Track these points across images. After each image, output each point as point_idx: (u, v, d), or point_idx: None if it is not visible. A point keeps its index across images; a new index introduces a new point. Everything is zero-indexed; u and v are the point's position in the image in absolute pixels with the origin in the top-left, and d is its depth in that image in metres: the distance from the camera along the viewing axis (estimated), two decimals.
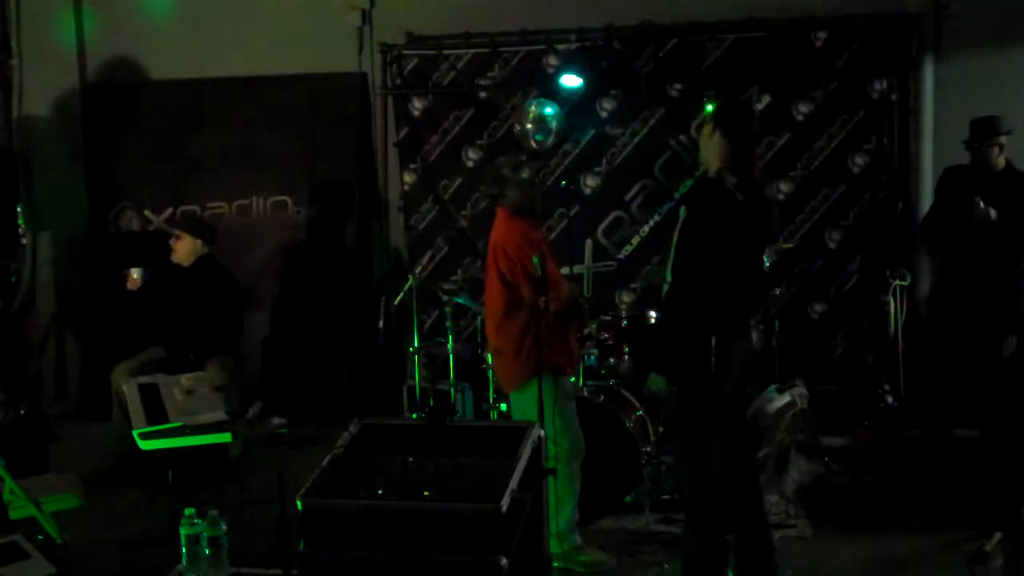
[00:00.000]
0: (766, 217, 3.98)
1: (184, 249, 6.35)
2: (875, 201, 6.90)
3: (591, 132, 7.09)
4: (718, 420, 3.91)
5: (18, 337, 7.49)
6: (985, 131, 5.64)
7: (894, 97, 6.82)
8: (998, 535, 4.49)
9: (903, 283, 6.53)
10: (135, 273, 6.17)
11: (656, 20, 6.95)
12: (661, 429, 5.50)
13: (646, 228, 7.12)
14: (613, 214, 7.16)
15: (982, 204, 5.43)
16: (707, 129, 3.89)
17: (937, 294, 6.05)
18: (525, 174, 4.69)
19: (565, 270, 5.22)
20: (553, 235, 6.77)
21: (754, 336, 5.43)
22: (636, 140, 7.08)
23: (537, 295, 4.46)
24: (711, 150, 3.89)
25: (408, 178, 7.42)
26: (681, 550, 4.09)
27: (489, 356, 5.38)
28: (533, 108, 6.92)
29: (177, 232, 6.43)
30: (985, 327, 5.63)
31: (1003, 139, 5.62)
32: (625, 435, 5.16)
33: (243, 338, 6.67)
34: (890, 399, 6.62)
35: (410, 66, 7.33)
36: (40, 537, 4.56)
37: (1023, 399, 5.62)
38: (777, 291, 6.31)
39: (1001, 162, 5.66)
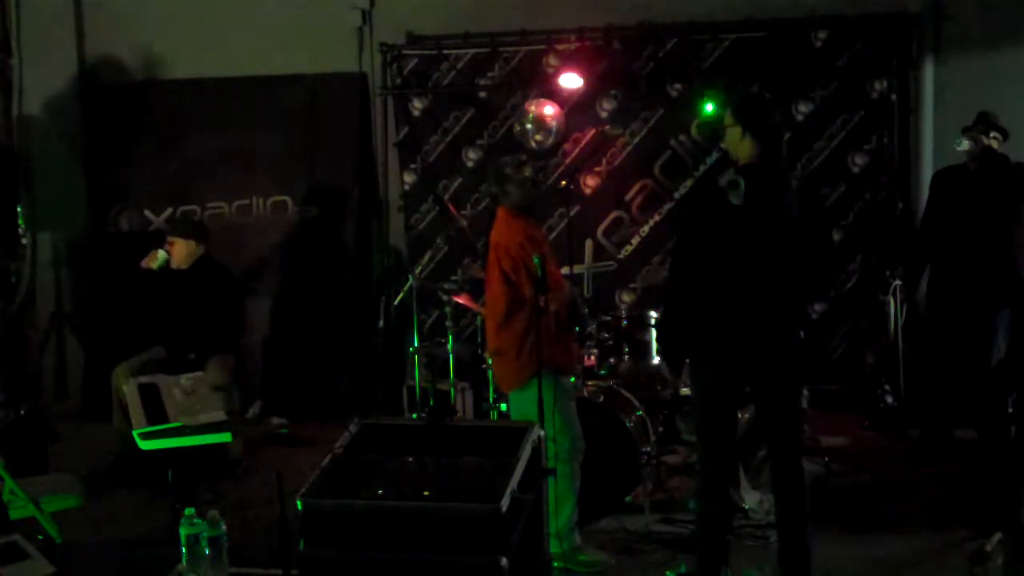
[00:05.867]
0: (776, 208, 3.94)
1: (180, 253, 6.30)
2: (875, 201, 6.90)
3: (591, 132, 7.09)
4: (763, 417, 4.13)
5: (18, 337, 7.49)
6: (982, 121, 5.74)
7: (894, 97, 6.82)
8: (998, 535, 4.48)
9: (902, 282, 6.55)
10: (160, 253, 6.17)
11: (656, 20, 6.95)
12: (661, 429, 5.51)
13: (646, 228, 7.12)
14: (613, 214, 7.16)
15: None
16: (735, 132, 3.99)
17: (932, 281, 6.07)
18: (527, 173, 4.71)
19: (565, 270, 5.22)
20: (553, 235, 6.77)
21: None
22: (636, 140, 7.08)
23: (538, 294, 4.46)
24: (743, 151, 4.00)
25: (408, 178, 7.42)
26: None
27: (488, 356, 5.38)
28: (533, 108, 6.92)
29: (169, 239, 6.34)
30: (979, 302, 5.64)
31: (995, 134, 5.69)
32: (625, 435, 5.16)
33: (243, 338, 6.66)
34: (890, 399, 6.62)
35: (410, 66, 7.33)
36: (40, 537, 4.56)
37: (1018, 398, 5.64)
38: None
39: (992, 144, 5.71)
